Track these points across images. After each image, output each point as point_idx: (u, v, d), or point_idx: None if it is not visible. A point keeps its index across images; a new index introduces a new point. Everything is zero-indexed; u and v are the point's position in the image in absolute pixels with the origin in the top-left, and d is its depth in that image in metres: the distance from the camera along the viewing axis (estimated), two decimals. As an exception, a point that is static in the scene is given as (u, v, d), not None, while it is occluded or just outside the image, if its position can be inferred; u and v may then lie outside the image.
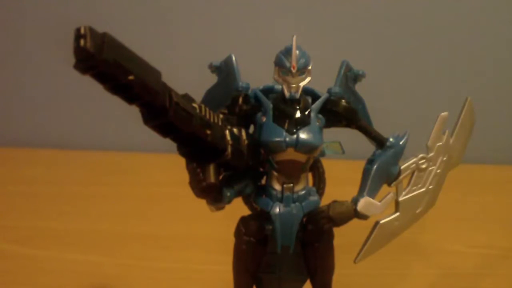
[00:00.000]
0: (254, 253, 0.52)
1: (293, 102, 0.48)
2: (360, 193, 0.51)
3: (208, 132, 0.43)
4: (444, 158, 0.54)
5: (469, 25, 1.18)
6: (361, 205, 0.51)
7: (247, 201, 0.54)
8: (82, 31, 0.33)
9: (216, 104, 0.51)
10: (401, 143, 0.52)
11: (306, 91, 0.49)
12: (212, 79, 0.55)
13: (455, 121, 0.55)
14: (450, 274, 0.82)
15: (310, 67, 0.48)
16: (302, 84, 0.48)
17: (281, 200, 0.50)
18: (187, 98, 0.43)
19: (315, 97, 0.50)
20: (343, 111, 0.50)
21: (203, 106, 0.44)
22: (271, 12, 1.17)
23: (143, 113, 0.40)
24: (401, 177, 0.53)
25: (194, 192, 0.46)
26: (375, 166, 0.51)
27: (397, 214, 0.54)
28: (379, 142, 0.52)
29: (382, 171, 0.51)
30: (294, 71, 0.47)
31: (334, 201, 0.52)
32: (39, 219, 0.95)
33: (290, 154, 0.48)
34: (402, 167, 0.53)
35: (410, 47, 1.19)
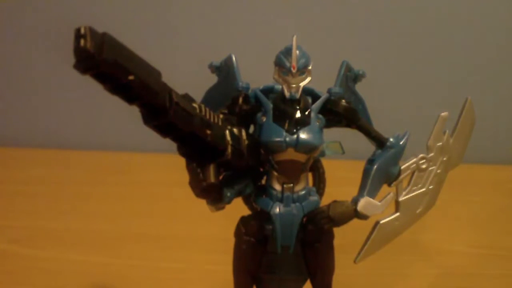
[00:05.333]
0: (254, 253, 0.52)
1: (293, 102, 0.48)
2: (360, 193, 0.51)
3: (208, 132, 0.43)
4: (444, 158, 0.54)
5: (469, 25, 1.18)
6: (361, 205, 0.51)
7: (247, 201, 0.54)
8: (82, 31, 0.33)
9: (216, 104, 0.51)
10: (401, 143, 0.52)
11: (306, 91, 0.49)
12: (212, 79, 0.55)
13: (455, 121, 0.55)
14: (450, 274, 0.82)
15: (310, 67, 0.48)
16: (302, 84, 0.48)
17: (281, 200, 0.50)
18: (187, 98, 0.43)
19: (315, 97, 0.50)
20: (343, 111, 0.50)
21: (203, 106, 0.44)
22: (271, 12, 1.17)
23: (143, 113, 0.40)
24: (401, 177, 0.53)
25: (194, 192, 0.46)
26: (375, 166, 0.51)
27: (397, 214, 0.54)
28: (379, 142, 0.52)
29: (382, 171, 0.51)
30: (294, 71, 0.47)
31: (334, 201, 0.52)
32: (39, 219, 0.95)
33: (290, 154, 0.48)
34: (402, 167, 0.53)
35: (410, 47, 1.19)
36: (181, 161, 0.46)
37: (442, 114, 0.53)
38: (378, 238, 0.53)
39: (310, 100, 0.50)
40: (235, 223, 0.53)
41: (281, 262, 0.54)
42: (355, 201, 0.51)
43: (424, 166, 0.53)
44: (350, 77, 0.53)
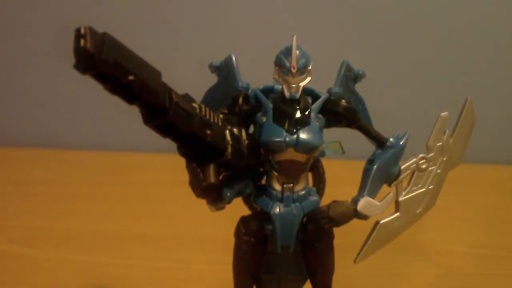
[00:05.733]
0: (254, 253, 0.52)
1: (293, 102, 0.48)
2: (360, 193, 0.51)
3: (208, 132, 0.43)
4: (444, 158, 0.54)
5: (469, 25, 1.18)
6: (361, 205, 0.51)
7: (247, 201, 0.55)
8: (82, 31, 0.33)
9: (216, 104, 0.51)
10: (401, 143, 0.52)
11: (306, 91, 0.49)
12: (212, 79, 0.55)
13: (455, 121, 0.55)
14: (450, 274, 0.82)
15: (310, 67, 0.48)
16: (302, 84, 0.48)
17: (281, 200, 0.50)
18: (187, 98, 0.43)
19: (315, 97, 0.50)
20: (343, 111, 0.50)
21: (203, 106, 0.44)
22: (271, 12, 1.17)
23: (143, 113, 0.40)
24: (401, 177, 0.53)
25: (194, 192, 0.46)
26: (375, 166, 0.51)
27: (397, 214, 0.54)
28: (379, 142, 0.52)
29: (382, 171, 0.51)
30: (294, 71, 0.47)
31: (334, 201, 0.52)
32: (39, 219, 0.95)
33: (290, 154, 0.48)
34: (402, 167, 0.53)
35: (410, 47, 1.19)
36: (181, 161, 0.46)
37: (442, 114, 0.53)
38: (378, 238, 0.53)
39: (310, 100, 0.50)
40: (235, 223, 0.53)
41: (281, 262, 0.54)
42: (355, 201, 0.51)
43: (424, 166, 0.53)
44: (350, 77, 0.53)
